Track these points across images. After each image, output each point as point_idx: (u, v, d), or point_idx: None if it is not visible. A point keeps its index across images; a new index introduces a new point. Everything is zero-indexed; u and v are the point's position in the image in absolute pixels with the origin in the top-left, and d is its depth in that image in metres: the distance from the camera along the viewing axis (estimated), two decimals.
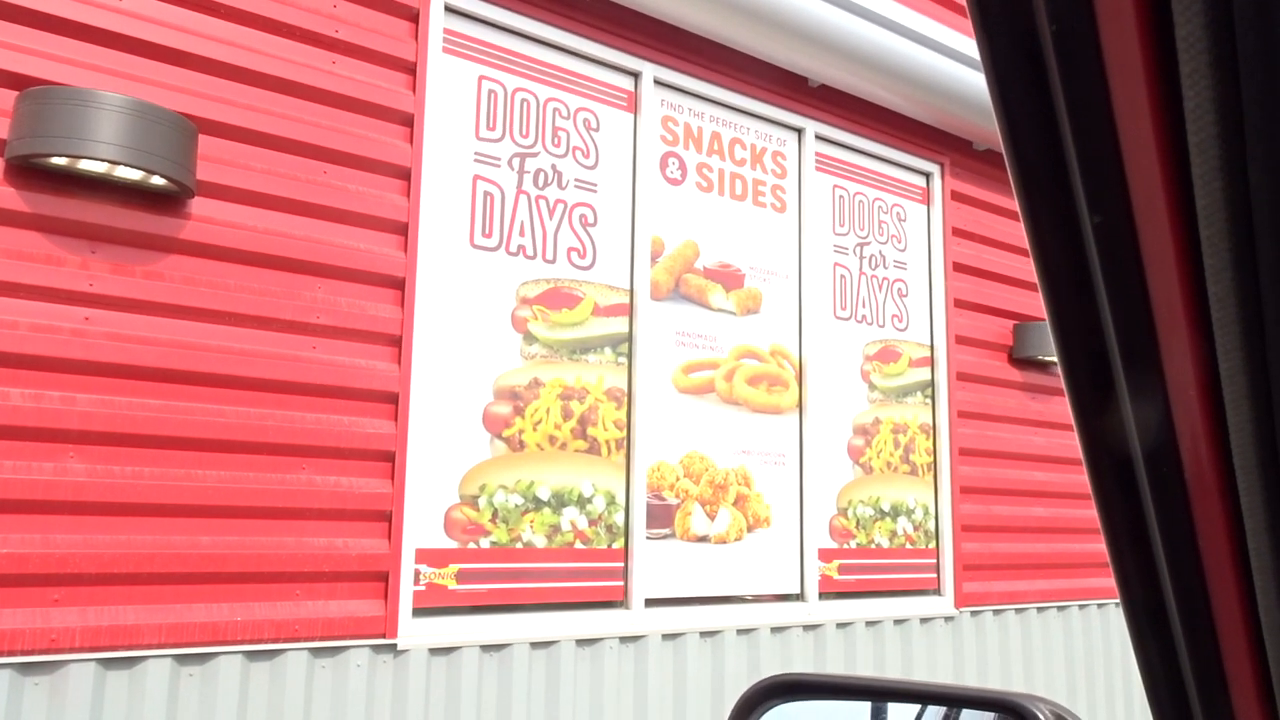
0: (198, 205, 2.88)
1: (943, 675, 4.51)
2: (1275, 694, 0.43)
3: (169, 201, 2.82)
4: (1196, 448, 0.38)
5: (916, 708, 0.94)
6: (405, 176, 3.27)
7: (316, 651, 2.93)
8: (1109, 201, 0.34)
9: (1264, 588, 0.39)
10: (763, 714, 0.81)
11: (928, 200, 4.99)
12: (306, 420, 2.99)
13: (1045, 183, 0.35)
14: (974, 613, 4.68)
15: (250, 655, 2.82)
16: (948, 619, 4.57)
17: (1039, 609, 4.94)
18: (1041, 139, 0.35)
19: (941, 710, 0.94)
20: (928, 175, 4.99)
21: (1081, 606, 5.14)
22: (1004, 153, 0.36)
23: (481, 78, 3.55)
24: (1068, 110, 0.33)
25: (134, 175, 2.66)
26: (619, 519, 3.67)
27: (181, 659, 2.72)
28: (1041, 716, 0.67)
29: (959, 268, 4.96)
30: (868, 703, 0.93)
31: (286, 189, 3.03)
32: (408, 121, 3.30)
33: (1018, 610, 4.86)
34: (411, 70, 3.34)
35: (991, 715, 0.90)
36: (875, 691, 0.87)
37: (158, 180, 2.69)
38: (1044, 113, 0.34)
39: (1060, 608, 5.04)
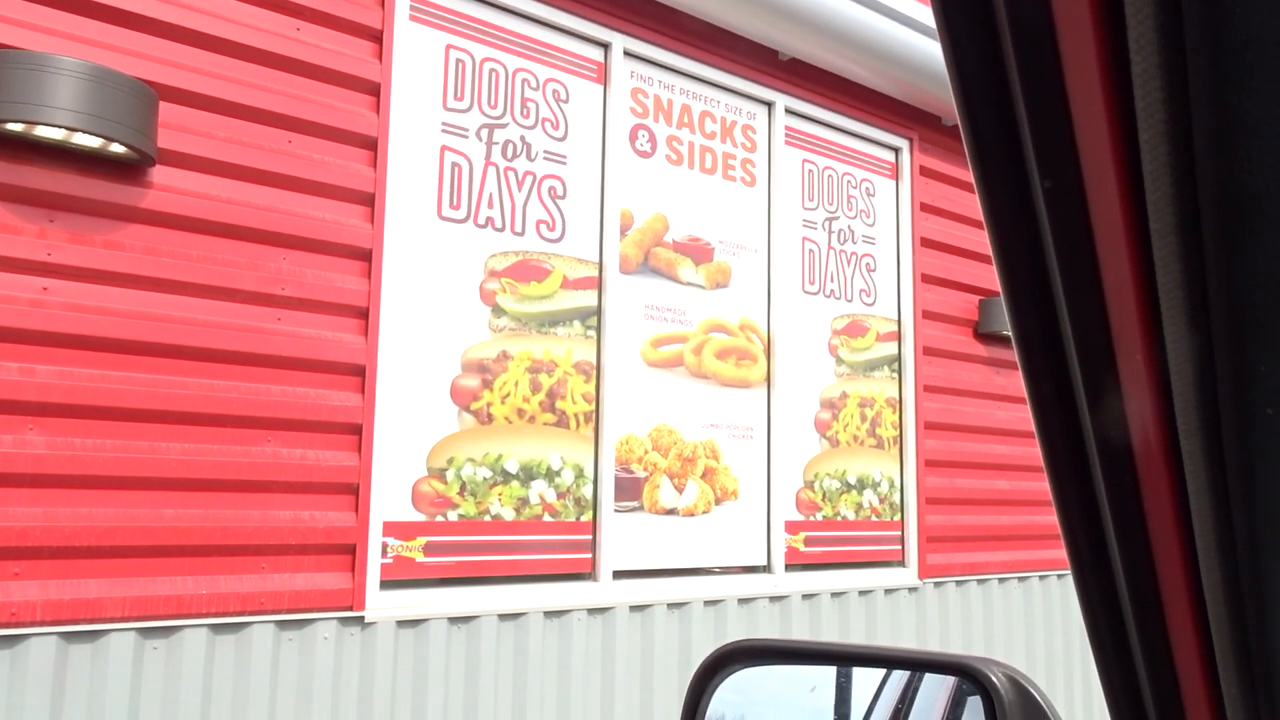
0: (159, 174, 2.83)
1: (906, 644, 4.58)
2: (1217, 659, 0.44)
3: (129, 170, 2.77)
4: (1143, 413, 0.39)
5: (877, 673, 0.96)
6: (372, 146, 3.23)
7: (283, 624, 2.92)
8: (1059, 166, 0.34)
9: (1205, 548, 0.40)
10: (723, 680, 0.82)
11: (896, 175, 5.00)
12: (272, 392, 2.96)
13: (997, 148, 0.35)
14: (937, 584, 4.75)
15: (216, 628, 2.81)
16: (911, 590, 4.64)
17: (1000, 579, 5.03)
18: (994, 104, 0.35)
19: (903, 676, 0.96)
20: (897, 150, 5.00)
21: (1041, 577, 5.24)
22: (959, 120, 0.37)
23: (449, 47, 3.50)
24: (1019, 75, 0.33)
25: (93, 142, 2.61)
26: (587, 492, 3.68)
27: (145, 632, 2.70)
28: (996, 680, 0.69)
29: (926, 243, 4.99)
30: (829, 668, 0.94)
31: (250, 158, 2.98)
32: (374, 90, 3.26)
33: (980, 581, 4.94)
34: (378, 38, 3.29)
35: (951, 680, 0.91)
36: (834, 656, 0.88)
37: (117, 148, 2.64)
38: (996, 78, 0.34)
39: (1021, 578, 5.13)
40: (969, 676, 0.73)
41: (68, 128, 2.52)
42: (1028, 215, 0.36)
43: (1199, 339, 0.34)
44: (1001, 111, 0.35)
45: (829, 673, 0.90)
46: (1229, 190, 0.30)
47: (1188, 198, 0.30)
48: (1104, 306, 0.37)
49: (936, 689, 0.92)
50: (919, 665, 0.87)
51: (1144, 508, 0.43)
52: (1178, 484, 0.40)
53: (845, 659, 0.90)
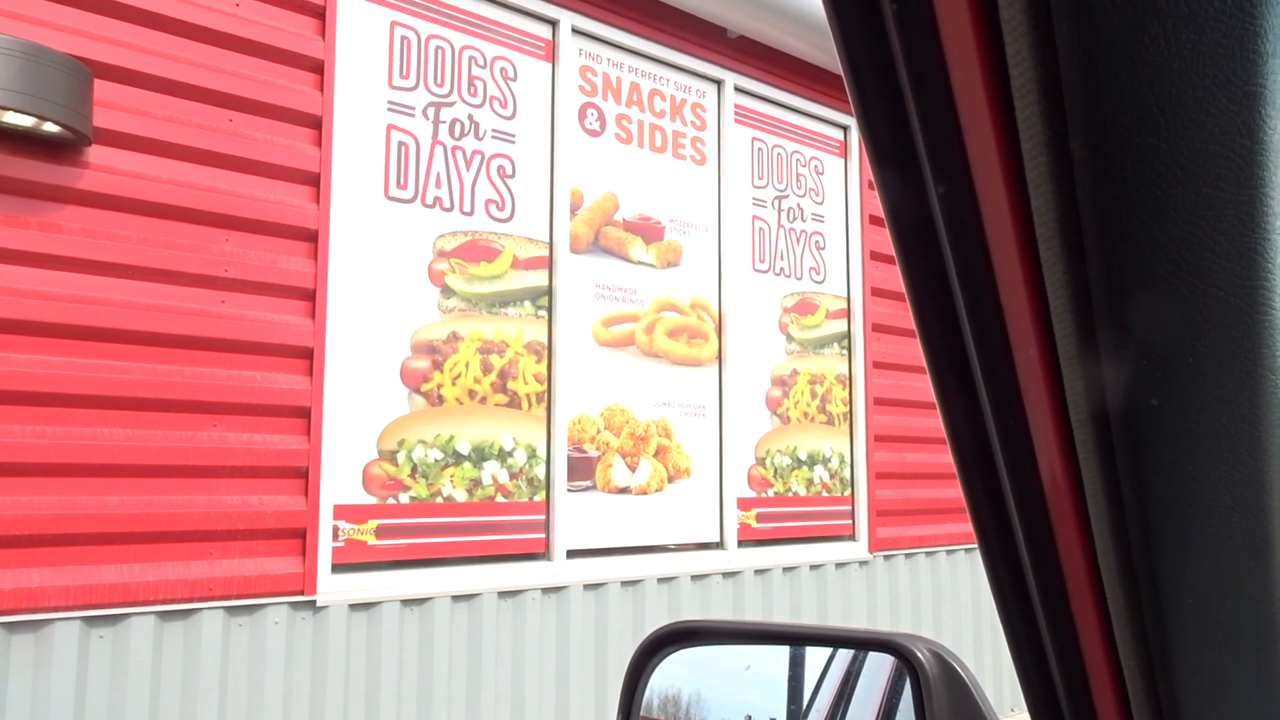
0: (95, 154, 2.76)
1: (857, 617, 4.67)
2: (1114, 632, 0.47)
3: (64, 150, 2.70)
4: (1039, 405, 0.41)
5: (825, 653, 0.98)
6: (316, 125, 3.19)
7: (232, 610, 2.90)
8: (951, 172, 0.36)
9: (1100, 532, 0.42)
10: (659, 663, 0.84)
11: (845, 153, 5.04)
12: (217, 376, 2.92)
13: (894, 154, 0.37)
14: (887, 556, 4.84)
15: (163, 615, 2.78)
16: (862, 563, 4.72)
17: (948, 551, 5.13)
18: (889, 112, 0.36)
19: (848, 654, 0.98)
20: (845, 128, 5.04)
21: None
22: (858, 127, 0.38)
23: (394, 23, 3.45)
24: (910, 85, 0.34)
25: (24, 121, 2.54)
26: (540, 472, 3.68)
27: (91, 620, 2.67)
28: (921, 655, 0.71)
29: (875, 220, 5.04)
30: (768, 647, 0.97)
31: (190, 137, 2.93)
32: (317, 68, 3.21)
33: (928, 553, 5.04)
34: (320, 14, 3.23)
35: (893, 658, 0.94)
36: (766, 635, 0.90)
37: (50, 127, 2.57)
38: (890, 89, 0.35)
39: (968, 550, 5.24)
40: (896, 652, 0.75)
41: None
42: (925, 219, 0.37)
43: (1085, 337, 0.36)
44: (897, 120, 0.36)
45: (766, 651, 0.92)
46: (1105, 196, 0.32)
47: (1068, 203, 0.32)
48: (999, 304, 0.38)
49: (880, 666, 0.94)
50: (847, 643, 0.89)
51: (1044, 496, 0.45)
52: (1074, 472, 0.42)
53: (779, 638, 0.92)
